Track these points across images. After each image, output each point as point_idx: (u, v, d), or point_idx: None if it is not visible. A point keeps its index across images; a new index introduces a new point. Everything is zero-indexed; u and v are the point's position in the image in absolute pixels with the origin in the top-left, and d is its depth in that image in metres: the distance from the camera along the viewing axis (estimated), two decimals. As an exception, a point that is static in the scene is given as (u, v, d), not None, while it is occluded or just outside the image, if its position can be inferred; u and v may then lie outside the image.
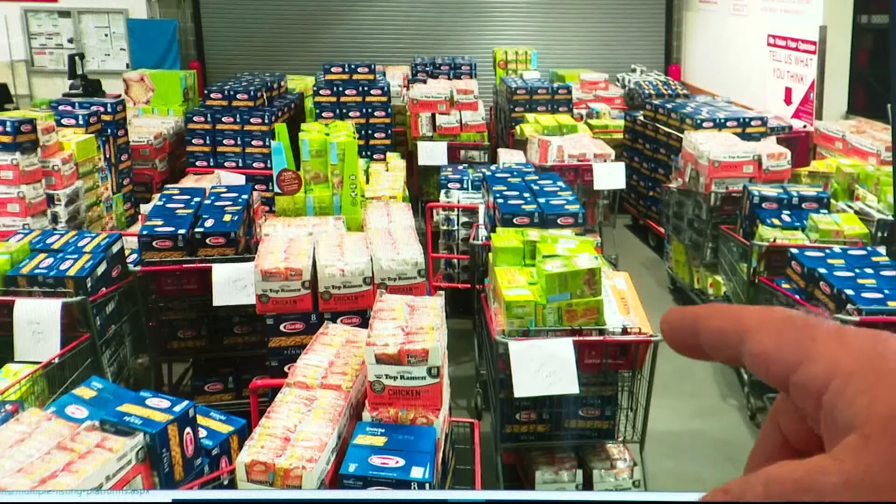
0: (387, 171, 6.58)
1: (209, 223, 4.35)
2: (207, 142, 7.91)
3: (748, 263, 5.24)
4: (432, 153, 7.82)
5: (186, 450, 2.60)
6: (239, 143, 7.88)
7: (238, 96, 7.98)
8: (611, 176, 6.71)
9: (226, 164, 7.86)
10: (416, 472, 2.36)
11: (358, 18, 12.63)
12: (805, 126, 7.93)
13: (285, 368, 3.27)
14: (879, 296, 4.09)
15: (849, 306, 4.05)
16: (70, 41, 12.10)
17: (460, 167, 7.04)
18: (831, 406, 0.38)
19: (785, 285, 4.71)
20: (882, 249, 4.67)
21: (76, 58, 10.26)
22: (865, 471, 0.36)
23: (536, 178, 5.45)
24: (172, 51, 12.00)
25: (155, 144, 7.98)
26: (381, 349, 2.61)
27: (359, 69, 8.41)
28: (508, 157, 7.17)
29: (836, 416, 0.38)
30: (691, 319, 0.45)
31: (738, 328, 0.43)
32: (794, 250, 4.72)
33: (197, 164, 7.90)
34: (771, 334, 0.42)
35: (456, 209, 6.19)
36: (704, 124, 7.24)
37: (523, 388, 3.53)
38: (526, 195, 4.99)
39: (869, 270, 4.35)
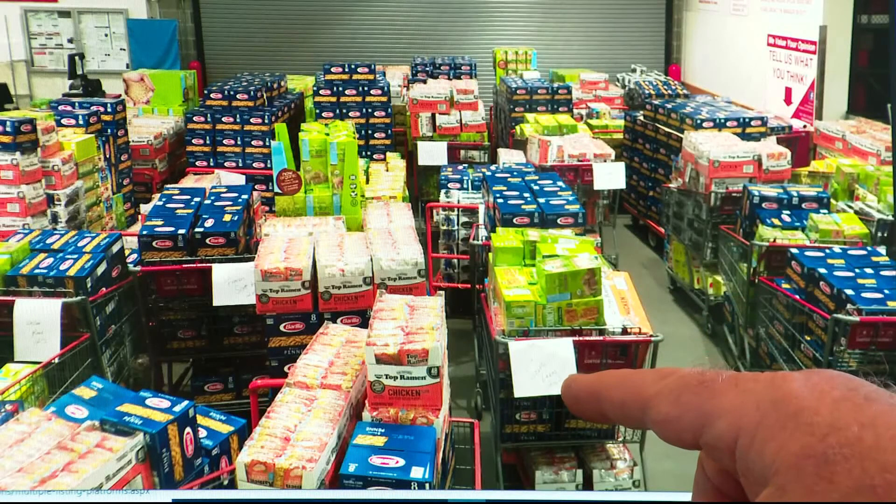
0: (387, 171, 6.58)
1: (209, 223, 4.35)
2: (207, 142, 7.91)
3: (748, 263, 5.24)
4: (432, 153, 7.82)
5: (186, 450, 2.60)
6: (239, 143, 7.89)
7: (238, 96, 7.98)
8: (611, 176, 6.71)
9: (226, 164, 7.86)
10: (416, 472, 2.36)
11: (358, 18, 12.64)
12: (805, 126, 7.93)
13: (285, 368, 3.27)
14: (879, 296, 4.09)
15: (849, 306, 4.05)
16: (70, 41, 12.11)
17: (460, 167, 7.04)
18: (744, 459, 0.38)
19: (785, 285, 4.71)
20: (882, 249, 4.67)
21: (76, 58, 10.26)
22: None
23: (536, 178, 5.45)
24: (172, 51, 12.01)
25: (155, 144, 7.98)
26: (381, 349, 2.61)
27: (359, 69, 8.42)
28: (508, 157, 7.17)
29: (751, 468, 0.38)
30: (593, 392, 0.46)
31: (638, 399, 0.43)
32: (794, 250, 4.72)
33: (197, 164, 7.90)
34: (669, 401, 0.42)
35: (456, 209, 6.19)
36: (704, 124, 7.24)
37: (523, 388, 3.53)
38: (526, 195, 4.99)
39: (869, 270, 4.35)
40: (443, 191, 6.44)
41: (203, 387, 4.50)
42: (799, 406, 0.37)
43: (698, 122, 7.27)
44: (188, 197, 4.74)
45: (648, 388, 0.43)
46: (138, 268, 4.31)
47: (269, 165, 7.39)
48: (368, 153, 7.69)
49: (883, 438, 0.35)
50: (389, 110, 8.24)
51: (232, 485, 2.58)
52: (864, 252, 4.62)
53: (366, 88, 8.21)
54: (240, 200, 4.66)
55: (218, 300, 4.12)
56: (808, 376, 0.39)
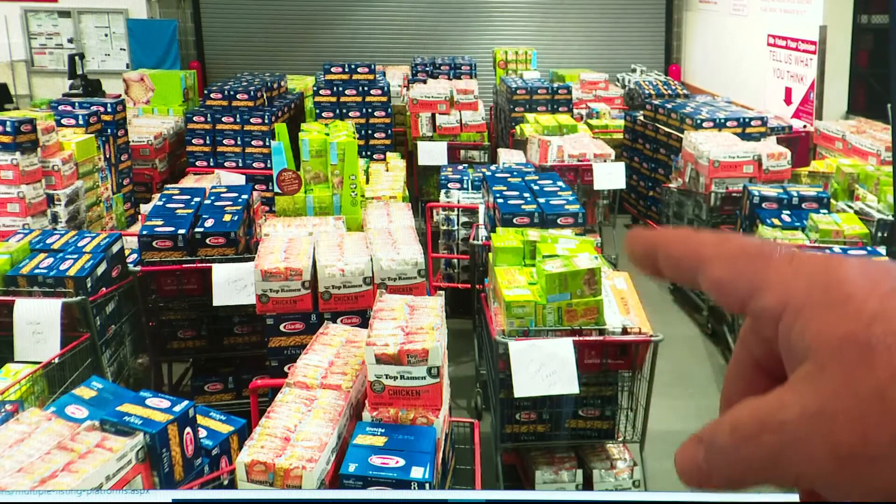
0: (387, 171, 6.58)
1: (209, 223, 4.35)
2: (207, 142, 7.91)
3: (748, 263, 5.23)
4: (432, 153, 7.82)
5: (186, 450, 2.60)
6: (239, 143, 7.89)
7: (238, 96, 7.98)
8: (611, 176, 6.71)
9: (226, 164, 7.86)
10: (416, 472, 2.36)
11: (358, 18, 12.63)
12: (805, 126, 7.93)
13: (285, 368, 3.27)
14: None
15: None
16: (70, 41, 12.11)
17: (460, 167, 7.04)
18: (787, 334, 0.39)
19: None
20: (882, 249, 4.67)
21: (76, 58, 10.26)
22: (821, 400, 0.36)
23: (536, 178, 5.45)
24: (172, 51, 12.01)
25: (155, 144, 7.98)
26: (381, 349, 2.61)
27: (359, 69, 8.42)
28: (508, 157, 7.17)
29: (793, 344, 0.38)
30: (651, 246, 0.46)
31: (695, 258, 0.43)
32: (794, 250, 4.71)
33: (197, 164, 7.90)
34: (725, 264, 0.42)
35: (456, 209, 6.19)
36: (704, 124, 7.24)
37: (523, 388, 3.53)
38: (526, 195, 4.99)
39: (869, 270, 4.34)
40: (443, 191, 6.44)
41: (203, 387, 4.50)
42: (849, 292, 0.37)
43: (698, 122, 7.27)
44: (188, 197, 4.74)
45: (707, 250, 0.43)
46: (138, 268, 4.31)
47: (269, 165, 7.39)
48: (368, 153, 7.68)
49: None
50: (389, 110, 8.24)
51: (232, 485, 2.58)
52: (863, 252, 4.62)
53: (366, 88, 8.21)
54: (240, 200, 4.66)
55: (218, 300, 4.12)
56: (864, 264, 0.39)
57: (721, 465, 0.40)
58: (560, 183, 5.33)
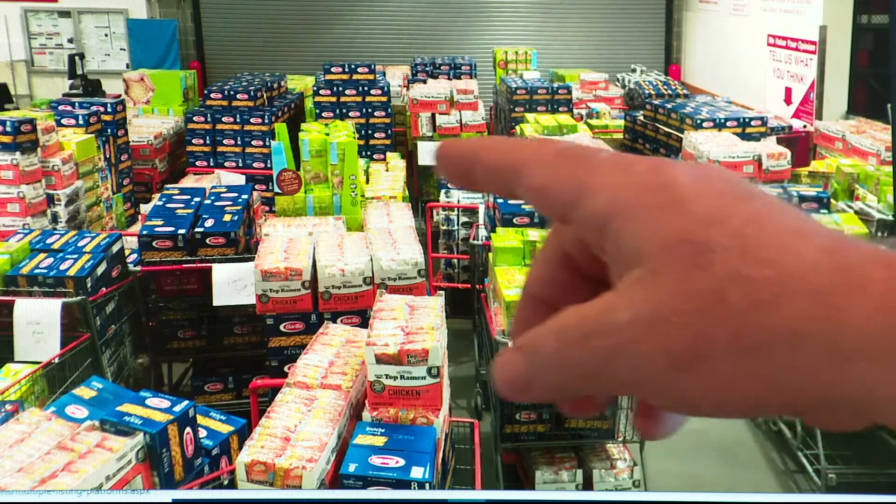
0: (387, 171, 6.58)
1: (209, 223, 4.35)
2: (207, 142, 7.91)
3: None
4: (432, 153, 7.82)
5: (186, 450, 2.60)
6: (239, 143, 7.89)
7: (238, 96, 7.98)
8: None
9: (226, 164, 7.86)
10: (416, 472, 2.36)
11: (358, 18, 12.64)
12: (805, 126, 7.93)
13: (285, 368, 3.27)
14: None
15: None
16: (70, 41, 12.11)
17: (460, 167, 7.03)
18: (616, 239, 0.37)
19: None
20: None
21: (76, 58, 10.26)
22: (654, 303, 0.35)
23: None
24: (172, 51, 12.01)
25: (155, 144, 7.98)
26: (381, 349, 2.61)
27: (359, 69, 8.42)
28: (508, 157, 7.16)
29: (622, 249, 0.37)
30: (467, 157, 0.43)
31: (514, 164, 0.41)
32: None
33: (197, 164, 7.90)
34: (546, 169, 0.39)
35: (456, 209, 6.19)
36: (704, 124, 7.24)
37: (523, 388, 3.52)
38: (526, 195, 4.99)
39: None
40: (443, 191, 6.44)
41: (203, 387, 4.50)
42: (682, 193, 0.36)
43: (698, 122, 7.27)
44: (188, 197, 4.74)
45: (526, 154, 0.41)
46: (138, 268, 4.32)
47: (269, 165, 7.39)
48: (368, 153, 7.69)
49: (765, 234, 0.34)
50: (389, 110, 8.24)
51: (232, 485, 2.59)
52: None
53: (366, 88, 8.21)
54: (240, 200, 4.66)
55: (218, 300, 4.12)
56: (692, 167, 0.38)
57: (545, 373, 0.38)
58: (560, 183, 5.33)
